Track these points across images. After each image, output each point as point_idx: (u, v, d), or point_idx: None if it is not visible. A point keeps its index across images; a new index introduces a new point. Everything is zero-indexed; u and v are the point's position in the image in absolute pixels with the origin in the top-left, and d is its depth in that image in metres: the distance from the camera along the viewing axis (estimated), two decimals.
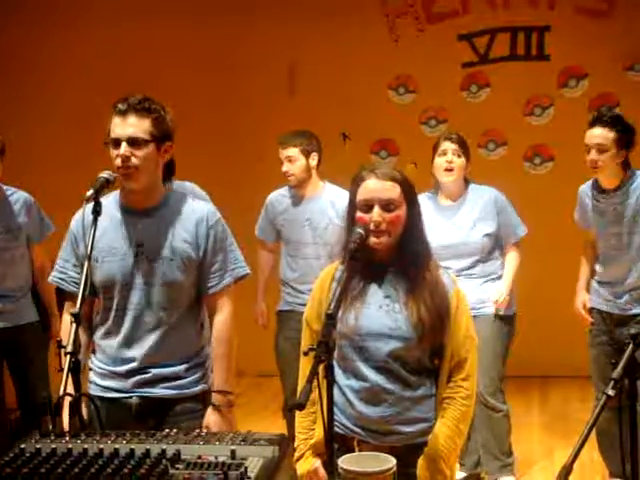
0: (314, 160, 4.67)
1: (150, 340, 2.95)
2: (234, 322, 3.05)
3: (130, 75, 6.41)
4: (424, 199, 4.43)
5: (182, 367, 2.99)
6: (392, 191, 2.64)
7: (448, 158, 4.35)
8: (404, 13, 6.75)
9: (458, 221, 4.39)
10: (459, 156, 4.36)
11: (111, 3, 6.91)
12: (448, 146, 4.37)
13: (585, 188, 4.36)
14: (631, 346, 2.39)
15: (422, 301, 2.64)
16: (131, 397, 2.97)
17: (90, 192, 2.71)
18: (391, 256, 2.69)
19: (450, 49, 6.70)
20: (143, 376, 2.96)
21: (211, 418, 2.97)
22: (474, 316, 4.23)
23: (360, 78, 6.70)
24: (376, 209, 2.61)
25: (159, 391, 2.98)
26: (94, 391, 3.02)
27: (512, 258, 4.47)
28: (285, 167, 4.68)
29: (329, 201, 4.63)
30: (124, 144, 2.84)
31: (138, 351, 2.96)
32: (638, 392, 2.35)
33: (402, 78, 6.82)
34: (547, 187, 6.53)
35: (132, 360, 2.96)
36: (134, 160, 2.85)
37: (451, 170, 4.36)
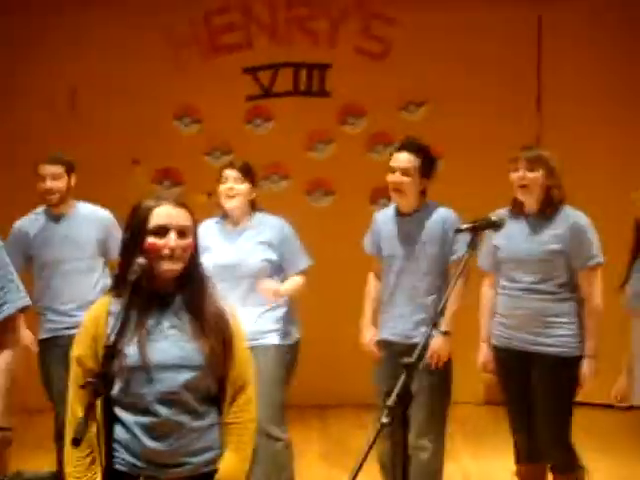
0: (73, 180, 4.81)
1: None
2: (16, 354, 2.94)
3: None
4: (211, 223, 4.47)
5: None
6: (186, 218, 2.65)
7: (229, 185, 4.41)
8: (189, 43, 6.76)
9: (239, 244, 4.42)
10: (241, 182, 4.42)
11: None
12: (229, 174, 4.43)
13: (381, 215, 4.50)
14: (404, 375, 2.47)
15: (210, 330, 2.64)
16: None
17: None
18: (175, 285, 2.67)
19: (235, 81, 6.77)
20: None
21: None
22: (255, 346, 4.31)
23: (145, 107, 6.62)
24: (172, 235, 2.60)
25: None
26: None
27: (295, 279, 4.47)
28: (49, 184, 4.74)
29: (84, 215, 4.82)
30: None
31: None
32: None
33: (187, 108, 6.82)
34: (328, 220, 6.72)
35: None
36: None
37: (233, 197, 4.42)
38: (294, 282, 4.47)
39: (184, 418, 2.61)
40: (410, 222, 4.33)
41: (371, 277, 4.57)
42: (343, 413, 6.41)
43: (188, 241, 2.64)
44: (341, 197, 6.87)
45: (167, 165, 6.78)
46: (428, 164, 4.29)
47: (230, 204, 4.43)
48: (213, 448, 2.68)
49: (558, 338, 4.09)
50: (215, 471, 2.67)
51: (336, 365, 6.49)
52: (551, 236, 4.11)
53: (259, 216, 4.51)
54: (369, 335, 4.47)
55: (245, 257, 4.38)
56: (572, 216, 4.13)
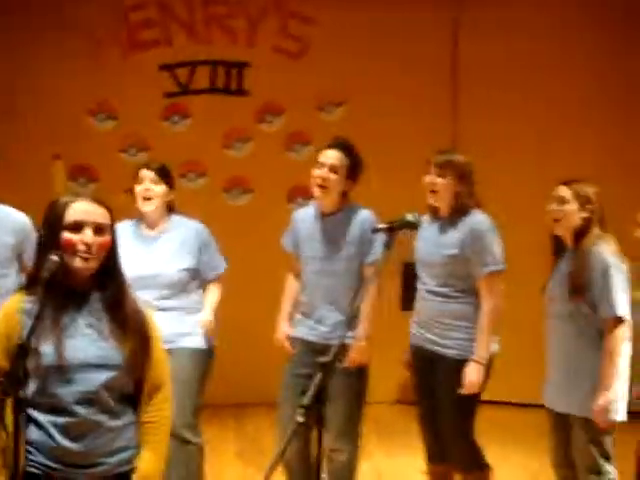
0: None
1: None
2: None
3: None
4: (126, 226, 4.33)
5: None
6: (104, 215, 2.63)
7: (145, 186, 4.34)
8: (106, 40, 6.65)
9: (157, 251, 4.34)
10: (158, 184, 4.35)
11: None
12: (145, 174, 4.35)
13: (301, 213, 4.50)
14: (320, 374, 2.49)
15: (128, 329, 2.63)
16: None
17: None
18: (92, 283, 2.63)
19: (152, 78, 6.70)
20: None
21: None
22: (171, 349, 4.25)
23: (62, 103, 6.51)
24: (88, 231, 2.57)
25: None
26: None
27: (213, 291, 4.45)
28: None
29: None
30: None
31: None
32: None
33: (103, 104, 6.71)
34: (246, 218, 6.71)
35: None
36: None
37: (149, 199, 4.34)
38: (214, 298, 4.43)
39: (101, 417, 2.59)
40: (330, 222, 4.33)
41: (290, 276, 4.57)
42: (259, 412, 6.40)
43: (105, 238, 2.62)
44: (259, 195, 6.87)
45: (82, 162, 6.67)
46: (355, 167, 4.30)
47: (146, 207, 4.35)
48: (129, 447, 2.66)
49: (456, 341, 4.11)
50: (130, 471, 2.65)
51: (252, 364, 6.49)
52: (451, 241, 4.13)
53: (176, 219, 4.44)
54: (284, 331, 4.47)
55: (163, 267, 4.30)
56: (473, 222, 4.13)
